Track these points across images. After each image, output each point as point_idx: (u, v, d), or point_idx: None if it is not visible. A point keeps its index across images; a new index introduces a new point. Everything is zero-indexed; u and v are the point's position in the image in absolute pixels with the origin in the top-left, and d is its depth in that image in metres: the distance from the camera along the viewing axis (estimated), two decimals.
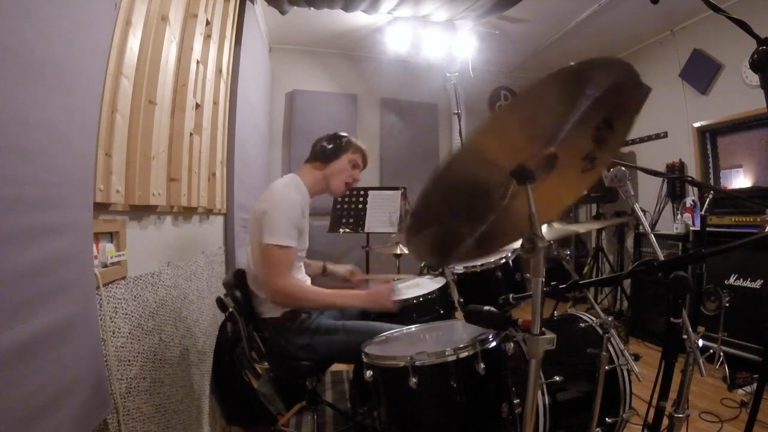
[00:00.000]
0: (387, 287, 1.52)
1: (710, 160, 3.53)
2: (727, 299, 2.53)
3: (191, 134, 1.66)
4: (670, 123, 3.77)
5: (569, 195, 1.04)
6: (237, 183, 2.41)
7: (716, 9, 0.82)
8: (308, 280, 1.72)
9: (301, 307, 1.52)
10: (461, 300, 1.78)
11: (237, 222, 2.44)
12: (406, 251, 2.49)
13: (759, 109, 2.97)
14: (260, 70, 3.31)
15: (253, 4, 2.73)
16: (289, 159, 4.27)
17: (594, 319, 1.50)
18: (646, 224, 1.44)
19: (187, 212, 1.71)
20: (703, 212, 3.02)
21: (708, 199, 3.01)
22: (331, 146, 1.66)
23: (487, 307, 0.97)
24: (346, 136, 1.70)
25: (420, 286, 1.91)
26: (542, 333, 0.78)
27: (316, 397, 1.68)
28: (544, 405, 1.32)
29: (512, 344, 1.17)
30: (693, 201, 3.39)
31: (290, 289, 1.42)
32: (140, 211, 1.25)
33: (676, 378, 0.92)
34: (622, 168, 1.24)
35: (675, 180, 3.57)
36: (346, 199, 2.83)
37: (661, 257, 1.22)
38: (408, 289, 1.92)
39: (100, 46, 0.93)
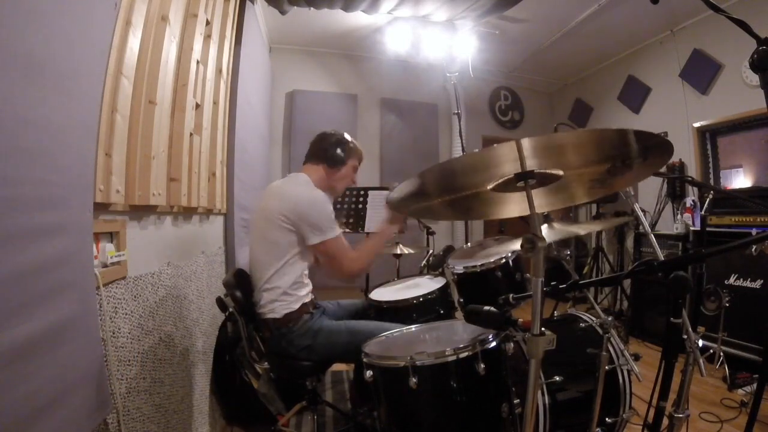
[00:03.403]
0: (395, 216, 1.73)
1: (710, 160, 3.53)
2: (727, 299, 2.53)
3: (191, 134, 1.66)
4: (670, 123, 3.77)
5: (571, 201, 1.06)
6: (237, 183, 2.41)
7: (716, 9, 0.82)
8: (306, 272, 1.71)
9: (368, 268, 1.69)
10: (461, 300, 1.78)
11: (237, 222, 2.43)
12: (407, 250, 2.49)
13: (759, 109, 2.97)
14: (260, 70, 3.31)
15: (253, 4, 2.73)
16: (289, 159, 4.28)
17: (594, 319, 1.50)
18: (646, 224, 1.44)
19: (187, 212, 1.71)
20: (703, 212, 3.02)
21: (708, 199, 3.01)
22: (340, 152, 1.69)
23: (487, 307, 0.97)
24: (351, 143, 1.74)
25: (420, 286, 1.91)
26: (542, 333, 0.78)
27: (316, 397, 1.68)
28: (544, 405, 1.32)
29: (512, 344, 1.16)
30: (693, 201, 3.39)
31: (359, 264, 1.60)
32: (140, 211, 1.25)
33: (676, 378, 0.92)
34: None
35: (675, 180, 3.57)
36: (346, 199, 2.83)
37: (661, 257, 1.22)
38: (408, 289, 1.92)
39: (100, 46, 0.93)
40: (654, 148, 0.78)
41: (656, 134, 0.70)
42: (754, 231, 2.61)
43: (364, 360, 1.15)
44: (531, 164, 0.77)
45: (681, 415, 1.00)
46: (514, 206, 1.02)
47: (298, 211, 1.49)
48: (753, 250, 1.64)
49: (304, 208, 1.51)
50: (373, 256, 1.67)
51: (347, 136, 1.74)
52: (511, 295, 1.05)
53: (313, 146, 1.73)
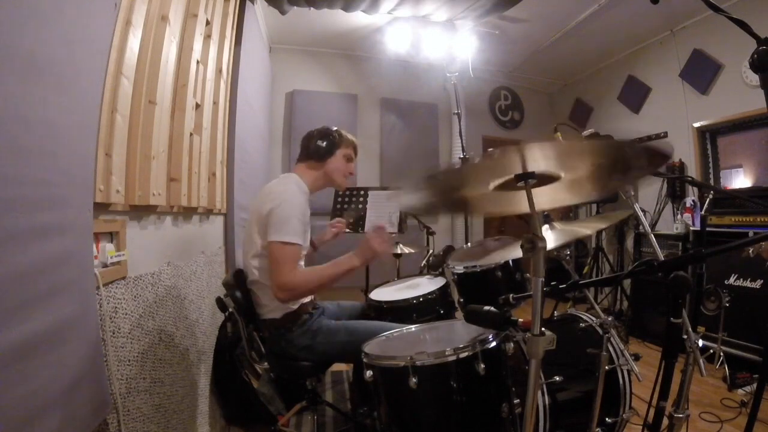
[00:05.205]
0: (377, 232, 1.47)
1: (710, 160, 3.53)
2: (727, 299, 2.53)
3: (191, 134, 1.66)
4: (669, 123, 3.77)
5: (572, 199, 1.06)
6: (237, 183, 2.41)
7: (716, 9, 0.82)
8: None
9: (309, 293, 1.52)
10: (461, 300, 1.78)
11: (237, 222, 2.43)
12: (407, 250, 2.49)
13: (759, 109, 2.97)
14: (260, 70, 3.31)
15: (253, 4, 2.73)
16: (289, 159, 4.27)
17: (594, 319, 1.50)
18: (646, 224, 1.44)
19: (187, 212, 1.71)
20: (703, 212, 3.02)
21: (708, 199, 3.01)
22: (324, 144, 1.65)
23: (487, 307, 0.97)
24: (336, 131, 1.69)
25: (420, 286, 1.91)
26: (542, 333, 0.78)
27: (316, 397, 1.68)
28: (544, 405, 1.32)
29: (512, 344, 1.16)
30: (693, 201, 3.39)
31: (296, 282, 1.40)
32: (140, 211, 1.25)
33: (676, 378, 0.92)
34: None
35: (675, 180, 3.57)
36: (346, 199, 2.83)
37: (661, 257, 1.22)
38: (408, 289, 1.92)
39: (100, 46, 0.93)
40: (657, 155, 0.77)
41: (663, 151, 0.68)
42: (751, 232, 2.61)
43: (364, 360, 1.15)
44: (531, 165, 0.77)
45: (681, 415, 1.00)
46: (513, 204, 1.01)
47: (270, 207, 1.44)
48: (750, 252, 1.63)
49: (274, 204, 1.45)
50: (322, 285, 1.44)
51: (332, 128, 1.69)
52: (511, 295, 1.05)
53: (301, 145, 1.69)
